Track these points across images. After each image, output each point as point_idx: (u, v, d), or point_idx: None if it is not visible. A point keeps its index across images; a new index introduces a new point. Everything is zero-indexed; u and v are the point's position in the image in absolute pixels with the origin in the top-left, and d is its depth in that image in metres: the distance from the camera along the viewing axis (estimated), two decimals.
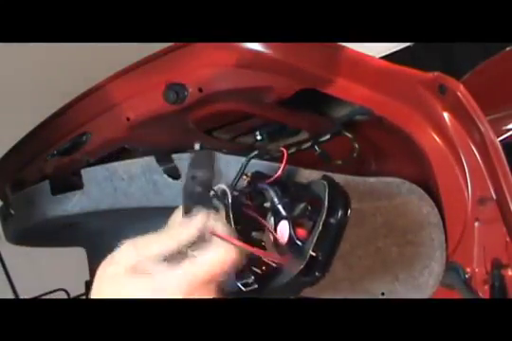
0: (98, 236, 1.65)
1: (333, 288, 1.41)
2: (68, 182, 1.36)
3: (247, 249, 0.79)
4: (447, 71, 1.25)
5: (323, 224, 0.80)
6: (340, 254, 1.43)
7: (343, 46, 1.18)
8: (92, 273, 1.86)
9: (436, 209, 1.34)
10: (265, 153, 0.98)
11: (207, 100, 1.20)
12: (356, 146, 1.44)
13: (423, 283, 1.36)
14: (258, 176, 0.90)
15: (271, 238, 0.85)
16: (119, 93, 1.27)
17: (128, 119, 1.28)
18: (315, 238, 0.79)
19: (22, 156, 1.52)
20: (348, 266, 1.42)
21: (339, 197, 0.83)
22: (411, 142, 1.29)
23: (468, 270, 1.25)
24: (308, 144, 1.46)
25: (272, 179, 0.87)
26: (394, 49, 3.83)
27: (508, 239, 1.24)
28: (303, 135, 1.45)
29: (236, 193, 0.87)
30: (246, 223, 0.88)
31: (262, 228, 0.87)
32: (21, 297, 2.70)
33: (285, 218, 0.84)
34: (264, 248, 0.86)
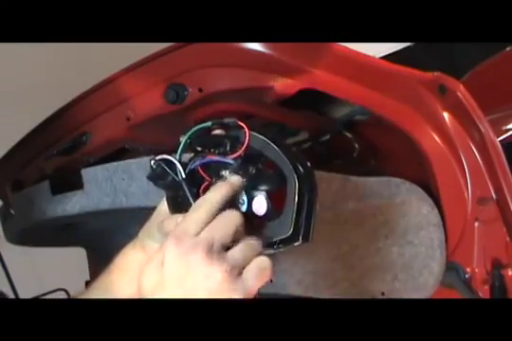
0: (98, 236, 1.65)
1: (333, 288, 1.41)
2: (68, 182, 1.36)
3: None
4: (447, 71, 1.25)
5: (299, 195, 0.81)
6: (340, 254, 1.43)
7: (343, 46, 1.18)
8: (92, 273, 1.86)
9: (436, 209, 1.34)
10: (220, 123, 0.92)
11: (207, 100, 1.20)
12: (356, 146, 1.44)
13: (423, 283, 1.36)
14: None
15: (241, 209, 0.84)
16: (119, 93, 1.27)
17: (128, 119, 1.28)
18: (294, 209, 0.80)
19: (22, 156, 1.52)
20: (348, 266, 1.42)
21: (297, 159, 0.83)
22: (411, 142, 1.29)
23: (468, 270, 1.25)
24: (308, 144, 1.46)
25: (237, 154, 0.84)
26: (394, 49, 3.82)
27: (508, 239, 1.24)
28: (303, 135, 1.45)
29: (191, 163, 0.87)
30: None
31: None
32: (21, 297, 2.70)
33: (260, 193, 0.83)
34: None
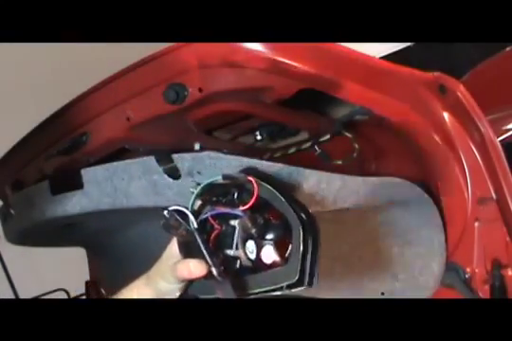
0: (98, 236, 1.65)
1: (333, 288, 1.41)
2: (68, 182, 1.35)
3: None
4: (447, 71, 1.25)
5: (303, 244, 0.86)
6: (340, 254, 1.43)
7: (343, 47, 1.18)
8: (92, 273, 1.86)
9: (436, 209, 1.34)
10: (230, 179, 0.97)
11: (207, 100, 1.20)
12: (356, 146, 1.44)
13: (423, 283, 1.36)
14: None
15: (250, 256, 0.89)
16: (120, 93, 1.27)
17: (128, 119, 1.28)
18: (300, 257, 0.85)
19: (22, 156, 1.52)
20: (348, 266, 1.42)
21: (302, 211, 0.88)
22: (411, 142, 1.29)
23: (468, 270, 1.25)
24: (308, 144, 1.46)
25: (247, 207, 0.89)
26: (394, 49, 3.83)
27: (508, 239, 1.24)
28: (303, 135, 1.45)
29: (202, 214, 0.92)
30: (217, 242, 0.91)
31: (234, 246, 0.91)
32: (21, 297, 2.70)
33: (268, 243, 0.88)
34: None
